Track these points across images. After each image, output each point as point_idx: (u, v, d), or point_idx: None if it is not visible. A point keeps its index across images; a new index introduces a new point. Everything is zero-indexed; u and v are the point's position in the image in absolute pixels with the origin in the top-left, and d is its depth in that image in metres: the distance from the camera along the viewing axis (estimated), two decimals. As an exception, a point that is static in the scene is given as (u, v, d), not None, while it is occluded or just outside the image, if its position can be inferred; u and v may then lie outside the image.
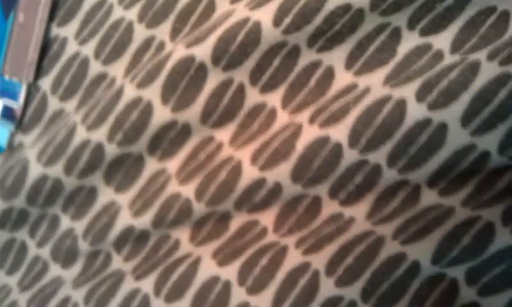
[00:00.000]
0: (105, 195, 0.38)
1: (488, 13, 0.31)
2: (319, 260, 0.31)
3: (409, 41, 0.33)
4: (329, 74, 0.34)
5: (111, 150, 0.36)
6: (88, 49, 0.39)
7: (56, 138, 0.37)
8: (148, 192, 0.36)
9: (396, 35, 0.33)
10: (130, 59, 0.38)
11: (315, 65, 0.34)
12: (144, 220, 0.36)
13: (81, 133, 0.36)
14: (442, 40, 0.32)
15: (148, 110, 0.35)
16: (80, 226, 0.38)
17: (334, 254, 0.31)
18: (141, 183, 0.37)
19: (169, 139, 0.36)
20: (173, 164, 0.37)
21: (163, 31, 0.37)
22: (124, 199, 0.37)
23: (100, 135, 0.36)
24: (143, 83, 0.35)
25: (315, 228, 0.33)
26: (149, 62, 0.36)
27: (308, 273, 0.31)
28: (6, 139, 0.40)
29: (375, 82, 0.33)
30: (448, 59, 0.31)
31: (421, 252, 0.30)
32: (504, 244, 0.29)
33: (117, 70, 0.38)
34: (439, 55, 0.32)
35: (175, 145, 0.36)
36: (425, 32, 0.33)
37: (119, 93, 0.35)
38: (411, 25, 0.33)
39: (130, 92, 0.35)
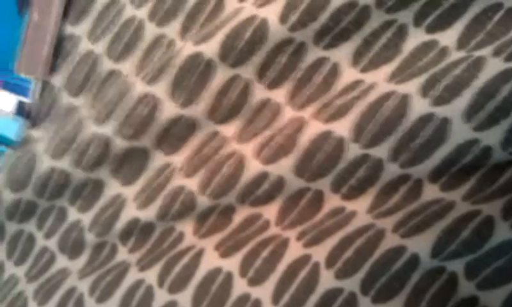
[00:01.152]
0: (112, 188, 0.38)
1: (495, 9, 0.31)
2: (320, 253, 0.31)
3: (416, 38, 0.33)
4: (335, 71, 0.34)
5: (118, 144, 0.36)
6: (100, 47, 0.40)
7: (65, 132, 0.37)
8: (153, 185, 0.37)
9: (402, 32, 0.33)
10: (141, 56, 0.39)
11: (321, 62, 0.35)
12: (149, 213, 0.36)
13: (90, 128, 0.37)
14: (448, 37, 0.32)
15: (156, 105, 0.35)
16: (86, 218, 0.38)
17: (334, 247, 0.31)
18: (147, 177, 0.38)
19: (175, 133, 0.37)
20: (178, 158, 0.37)
21: (173, 30, 0.38)
22: (130, 192, 0.38)
23: (108, 129, 0.36)
24: (152, 79, 0.35)
25: (317, 221, 0.33)
26: (158, 59, 0.37)
27: (309, 265, 0.31)
28: (17, 132, 0.41)
29: (380, 79, 0.33)
30: (454, 55, 0.31)
31: (421, 245, 0.29)
32: (504, 238, 0.29)
33: (128, 67, 0.39)
34: (444, 52, 0.32)
35: (180, 140, 0.37)
36: (431, 29, 0.33)
37: (128, 89, 0.36)
38: (417, 22, 0.33)
39: (139, 88, 0.36)
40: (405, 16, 0.33)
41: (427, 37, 0.33)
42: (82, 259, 0.39)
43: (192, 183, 0.36)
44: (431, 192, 0.31)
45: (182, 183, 0.36)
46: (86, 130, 0.37)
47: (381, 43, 0.34)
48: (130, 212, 0.37)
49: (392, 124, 0.30)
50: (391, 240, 0.30)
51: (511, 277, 0.28)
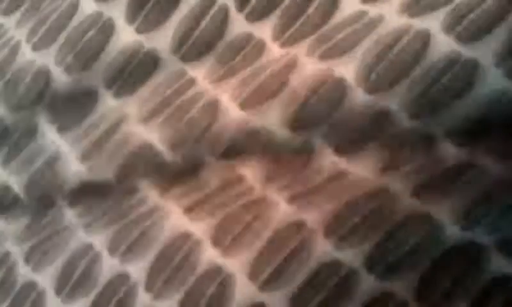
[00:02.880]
0: (46, 136, 0.31)
1: None
2: (316, 218, 0.26)
3: None
4: (333, 1, 0.29)
5: (60, 78, 0.30)
6: None
7: None
8: (99, 134, 0.30)
9: None
10: None
11: None
12: (96, 169, 0.30)
13: (26, 54, 0.31)
14: None
15: (108, 29, 0.29)
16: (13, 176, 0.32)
17: (335, 211, 0.26)
18: (91, 123, 0.31)
19: (131, 70, 0.30)
20: (131, 103, 0.31)
21: None
22: (67, 141, 0.31)
23: (48, 58, 0.30)
24: None
25: (311, 181, 0.28)
26: None
27: (302, 232, 0.25)
28: None
29: (389, 11, 0.27)
30: None
31: (446, 212, 0.24)
32: None
33: None
34: None
35: (137, 79, 0.30)
36: None
37: (74, 7, 0.30)
38: None
39: (87, 6, 0.30)
40: None
41: None
42: (22, 222, 0.32)
43: (149, 131, 0.29)
44: (448, 149, 0.26)
45: (136, 130, 0.30)
46: (21, 57, 0.30)
47: None
48: (71, 167, 0.30)
49: (407, 64, 0.25)
50: (409, 205, 0.25)
51: None
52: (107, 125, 0.30)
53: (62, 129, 0.31)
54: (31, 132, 0.31)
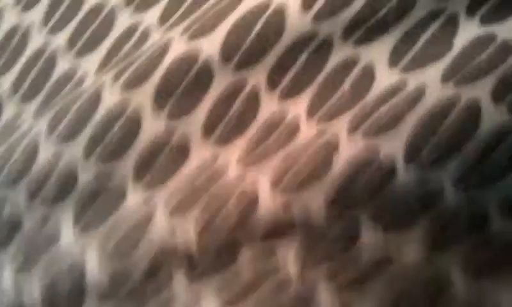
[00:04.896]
0: (67, 236, 0.28)
1: None
2: (363, 302, 0.24)
3: (468, 31, 0.27)
4: (369, 73, 0.27)
5: (87, 171, 0.28)
6: (59, 40, 0.32)
7: (14, 153, 0.29)
8: (126, 231, 0.28)
9: (452, 24, 0.27)
10: (107, 51, 0.31)
11: (350, 63, 0.28)
12: (123, 271, 0.27)
13: (48, 149, 0.29)
14: (508, 30, 0.26)
15: (136, 118, 0.28)
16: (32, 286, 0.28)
17: (386, 302, 0.24)
18: (117, 220, 0.28)
19: (160, 159, 0.28)
20: (161, 195, 0.28)
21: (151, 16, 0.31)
22: (90, 242, 0.28)
23: (73, 151, 0.28)
24: (131, 84, 0.28)
25: (355, 267, 0.26)
26: (132, 54, 0.30)
27: None
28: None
29: (430, 80, 0.26)
30: None
31: (507, 295, 0.23)
32: None
33: (89, 64, 0.31)
34: (507, 48, 0.26)
35: (167, 169, 0.28)
36: (486, 20, 0.27)
37: (97, 96, 0.29)
38: (471, 11, 0.27)
39: (112, 95, 0.28)
40: (456, 3, 0.27)
41: (481, 30, 0.27)
42: None
43: (179, 224, 0.27)
44: (503, 225, 0.25)
45: (165, 225, 0.27)
46: (43, 152, 0.29)
47: (426, 37, 0.27)
48: (95, 269, 0.28)
49: (460, 140, 0.24)
50: (465, 291, 0.23)
51: None
52: (134, 222, 0.28)
53: (85, 229, 0.29)
54: (50, 233, 0.29)
